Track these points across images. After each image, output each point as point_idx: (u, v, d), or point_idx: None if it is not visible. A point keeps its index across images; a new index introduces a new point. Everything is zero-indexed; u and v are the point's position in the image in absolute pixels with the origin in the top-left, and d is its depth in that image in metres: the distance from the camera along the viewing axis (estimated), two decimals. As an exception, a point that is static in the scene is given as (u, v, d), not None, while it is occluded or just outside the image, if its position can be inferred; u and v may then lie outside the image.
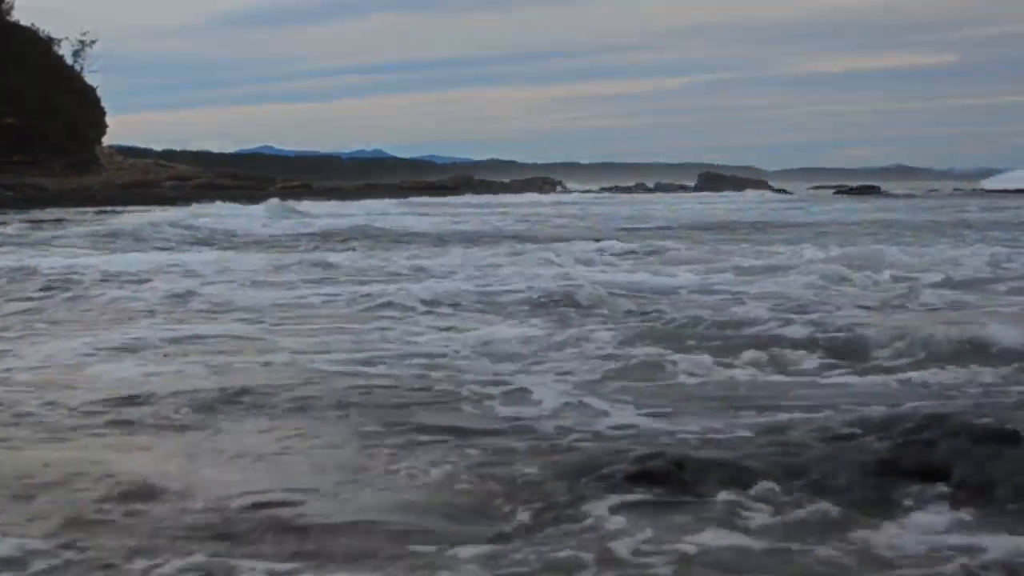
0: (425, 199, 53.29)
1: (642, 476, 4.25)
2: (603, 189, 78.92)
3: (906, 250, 16.38)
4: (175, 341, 7.92)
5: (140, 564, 3.44)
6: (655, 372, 6.71)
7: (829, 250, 16.16)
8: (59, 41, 66.17)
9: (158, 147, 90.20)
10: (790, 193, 69.71)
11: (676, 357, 7.05)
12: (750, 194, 62.65)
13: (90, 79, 66.26)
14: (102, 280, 12.28)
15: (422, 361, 7.06)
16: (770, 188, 74.69)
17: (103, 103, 65.67)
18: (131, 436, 5.14)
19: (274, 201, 33.90)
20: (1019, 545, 3.53)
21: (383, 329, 8.50)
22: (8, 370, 6.74)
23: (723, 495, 4.04)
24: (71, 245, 18.62)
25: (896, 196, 59.74)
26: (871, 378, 6.54)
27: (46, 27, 66.66)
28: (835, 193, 66.99)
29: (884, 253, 15.25)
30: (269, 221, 26.68)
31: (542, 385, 6.20)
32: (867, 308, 9.73)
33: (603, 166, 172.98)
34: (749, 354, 7.16)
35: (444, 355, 7.30)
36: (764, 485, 4.12)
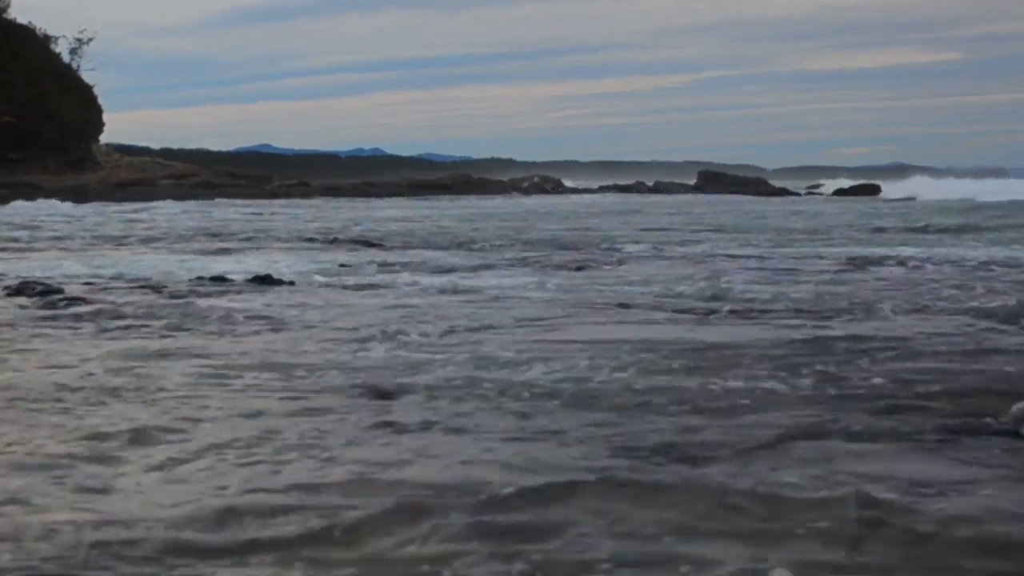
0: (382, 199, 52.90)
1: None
2: (602, 188, 78.55)
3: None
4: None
5: None
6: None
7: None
8: (56, 39, 65.92)
9: (156, 145, 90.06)
10: (797, 194, 69.35)
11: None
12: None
13: (87, 77, 66.04)
14: None
15: None
16: (771, 187, 74.23)
17: (100, 101, 65.44)
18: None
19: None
20: None
21: None
22: None
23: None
24: None
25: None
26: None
27: (43, 25, 66.48)
28: (833, 194, 66.67)
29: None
30: None
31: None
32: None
33: (602, 164, 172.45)
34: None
35: None
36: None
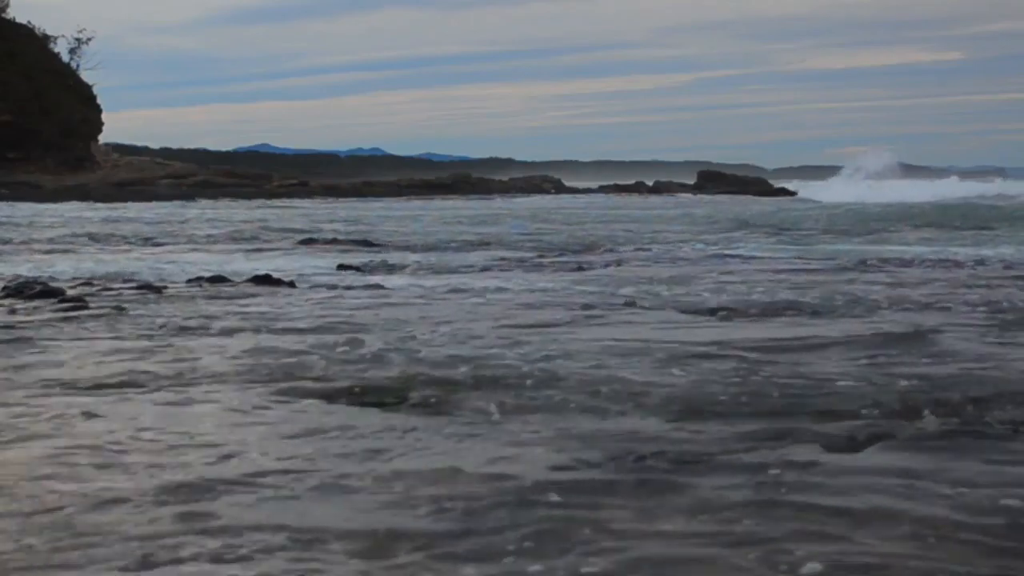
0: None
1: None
2: (602, 187, 78.57)
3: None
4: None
5: None
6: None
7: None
8: (55, 38, 65.95)
9: (155, 145, 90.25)
10: (793, 193, 69.22)
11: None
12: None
13: (86, 76, 66.04)
14: None
15: None
16: (771, 187, 74.22)
17: (99, 100, 65.43)
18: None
19: None
20: None
21: None
22: None
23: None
24: None
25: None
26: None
27: (42, 24, 66.56)
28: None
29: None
30: None
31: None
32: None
33: (603, 164, 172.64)
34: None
35: None
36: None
